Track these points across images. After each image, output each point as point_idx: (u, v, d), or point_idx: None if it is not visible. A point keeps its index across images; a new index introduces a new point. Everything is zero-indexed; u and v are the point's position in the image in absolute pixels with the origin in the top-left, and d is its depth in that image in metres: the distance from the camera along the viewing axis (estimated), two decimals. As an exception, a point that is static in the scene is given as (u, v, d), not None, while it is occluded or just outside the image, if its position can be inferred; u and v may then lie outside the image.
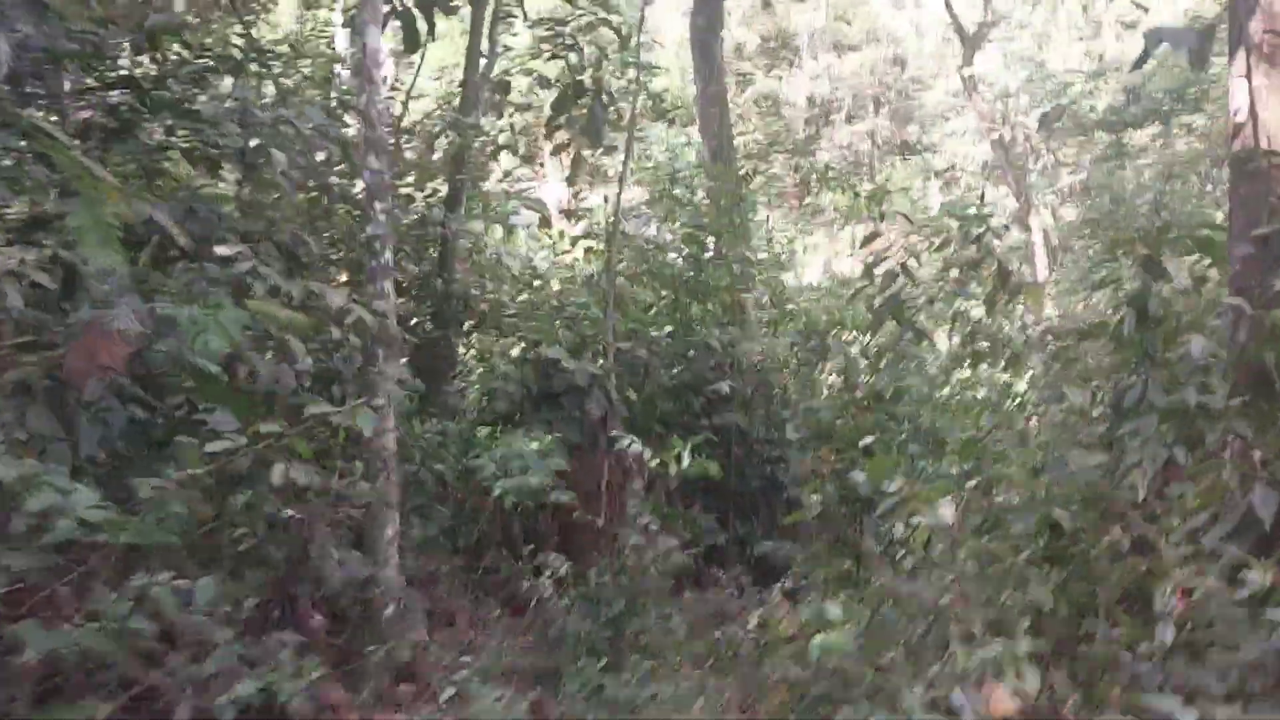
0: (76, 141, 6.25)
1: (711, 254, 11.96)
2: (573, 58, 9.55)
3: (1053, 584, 4.30)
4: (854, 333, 13.18)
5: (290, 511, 5.55)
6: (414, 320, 10.54)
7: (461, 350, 11.43)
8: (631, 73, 11.02)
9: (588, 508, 8.73)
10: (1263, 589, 3.68)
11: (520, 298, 11.54)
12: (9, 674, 4.09)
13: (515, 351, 10.82)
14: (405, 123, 11.10)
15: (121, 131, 7.34)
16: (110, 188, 4.16)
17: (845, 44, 31.34)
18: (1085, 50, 30.06)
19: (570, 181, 12.54)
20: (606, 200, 13.05)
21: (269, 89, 8.85)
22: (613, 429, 9.58)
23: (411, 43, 9.01)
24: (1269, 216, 6.17)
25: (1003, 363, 7.03)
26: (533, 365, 10.26)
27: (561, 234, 12.83)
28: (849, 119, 30.44)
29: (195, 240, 5.80)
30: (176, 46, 7.91)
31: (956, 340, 7.64)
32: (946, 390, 12.73)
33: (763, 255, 13.94)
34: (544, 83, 10.62)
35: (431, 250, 10.83)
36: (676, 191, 12.80)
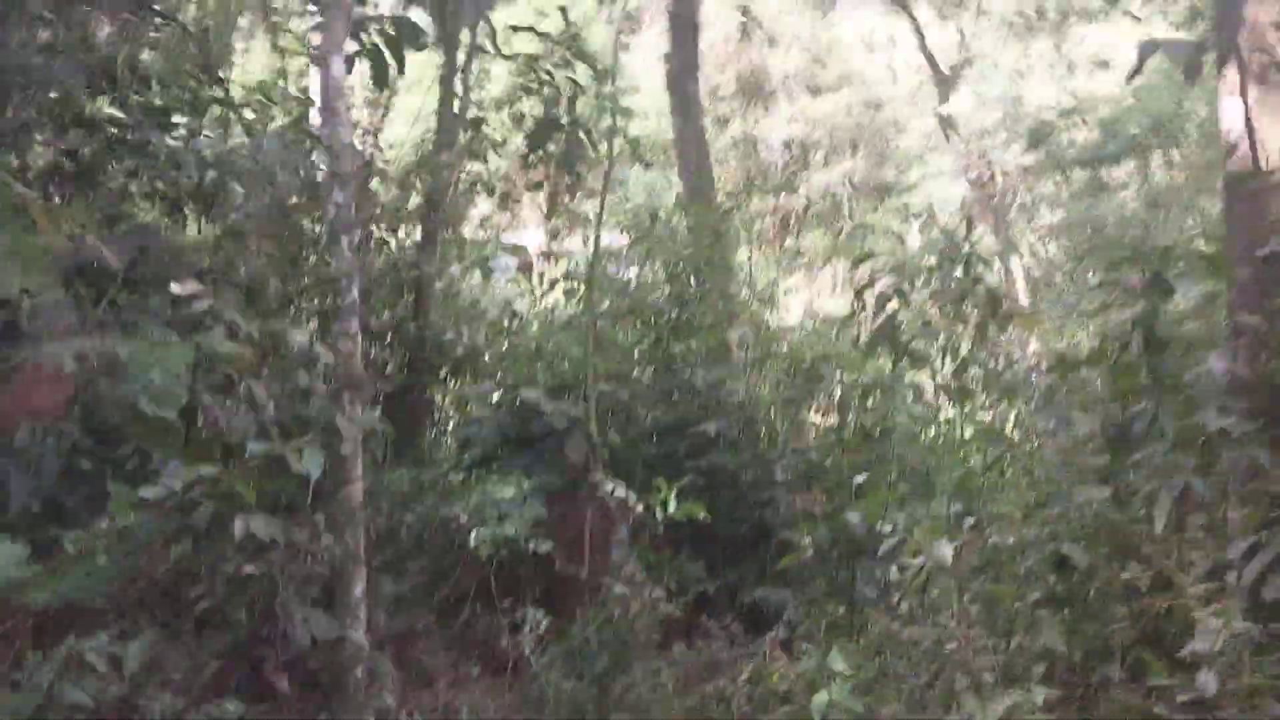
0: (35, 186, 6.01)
1: (695, 292, 11.72)
2: (548, 92, 9.36)
3: (1064, 626, 4.01)
4: (839, 370, 12.98)
5: (251, 568, 5.20)
6: (388, 367, 10.25)
7: (437, 397, 11.12)
8: (608, 119, 10.85)
9: (569, 557, 8.38)
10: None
11: (498, 341, 11.25)
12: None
13: (493, 396, 10.52)
14: (378, 164, 10.86)
15: (84, 175, 7.10)
16: (40, 211, 3.86)
17: (820, 86, 31.46)
18: (1060, 88, 30.29)
19: (548, 217, 12.32)
20: (586, 242, 12.85)
21: (238, 132, 8.64)
22: (594, 474, 9.25)
23: (380, 79, 8.79)
24: (1268, 236, 5.99)
25: (995, 396, 6.77)
26: (510, 409, 9.94)
27: (541, 276, 12.60)
28: (826, 161, 30.48)
29: (150, 279, 5.51)
30: (138, 86, 7.70)
31: (944, 374, 7.39)
32: (932, 429, 12.50)
33: (745, 294, 13.73)
34: (519, 120, 10.42)
35: (406, 294, 10.56)
36: (657, 231, 12.59)
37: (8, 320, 4.55)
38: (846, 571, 8.56)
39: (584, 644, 6.91)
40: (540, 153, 9.72)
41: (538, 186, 11.06)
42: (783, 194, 25.17)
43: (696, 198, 13.84)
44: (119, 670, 3.85)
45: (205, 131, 7.14)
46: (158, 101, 7.66)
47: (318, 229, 8.58)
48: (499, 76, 12.48)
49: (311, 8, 9.18)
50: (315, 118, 11.01)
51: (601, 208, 10.55)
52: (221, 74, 9.25)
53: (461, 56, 10.46)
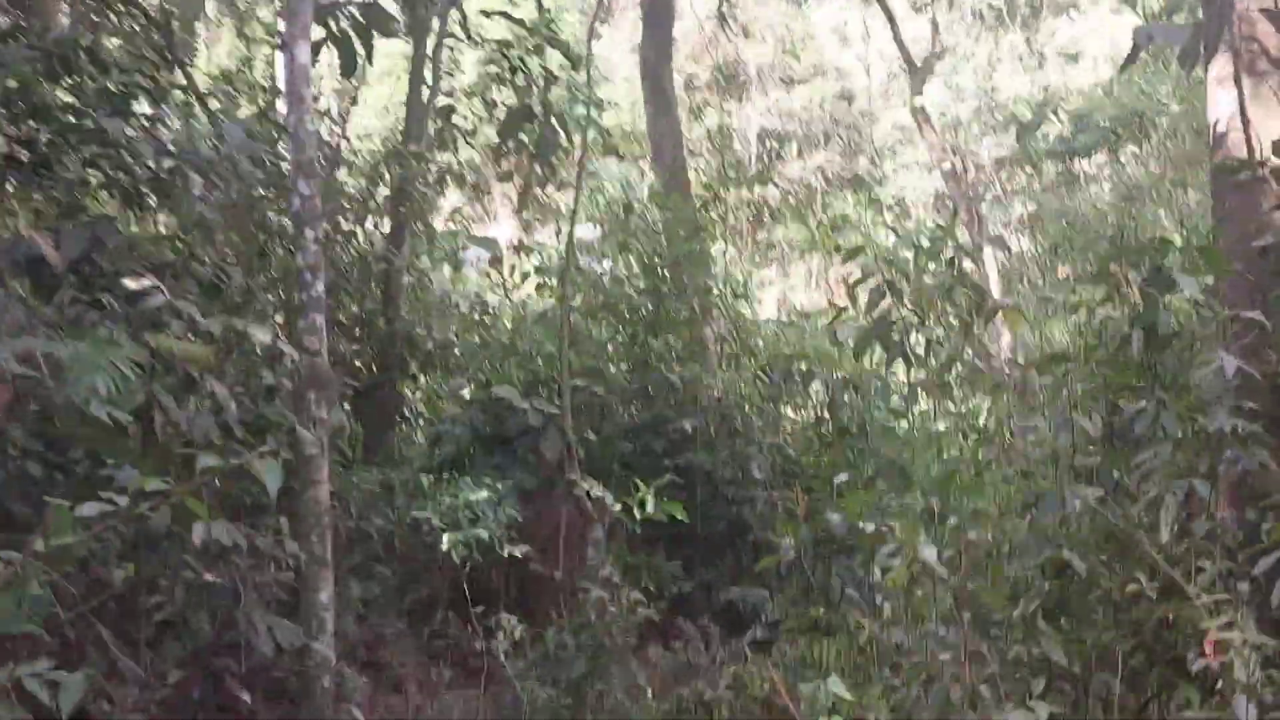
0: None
1: (670, 286, 11.52)
2: (520, 80, 9.10)
3: (1061, 635, 3.85)
4: (818, 366, 12.84)
5: (211, 576, 4.95)
6: (356, 363, 9.99)
7: (408, 393, 10.87)
8: (581, 108, 10.63)
9: (544, 559, 8.17)
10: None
11: (469, 336, 11.01)
12: None
13: (464, 393, 10.27)
14: (345, 154, 10.57)
15: (40, 165, 6.78)
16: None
17: (793, 78, 31.33)
18: (1030, 81, 30.34)
19: (520, 208, 12.08)
20: (559, 234, 12.64)
21: (202, 122, 8.33)
22: (570, 473, 9.05)
23: (349, 66, 8.52)
24: (1260, 228, 5.86)
25: (980, 392, 6.62)
26: (483, 407, 9.71)
27: (513, 269, 12.34)
28: (799, 153, 30.35)
29: (104, 273, 5.24)
30: (98, 73, 7.38)
31: (926, 370, 7.22)
32: (905, 422, 12.39)
33: (721, 288, 13.55)
34: (490, 108, 10.15)
35: (375, 288, 10.29)
36: (631, 224, 12.38)
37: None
38: (826, 571, 8.40)
39: (560, 648, 6.70)
40: (512, 142, 9.46)
41: (509, 177, 10.79)
42: (757, 187, 24.99)
43: (671, 190, 13.63)
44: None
45: (166, 120, 6.82)
46: (115, 89, 7.33)
47: (284, 221, 8.31)
48: (470, 65, 12.23)
49: (277, -8, 8.88)
50: (283, 107, 10.73)
51: (576, 199, 10.33)
52: (186, 61, 8.93)
53: (431, 44, 10.19)
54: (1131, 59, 5.73)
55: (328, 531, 5.85)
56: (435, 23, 10.18)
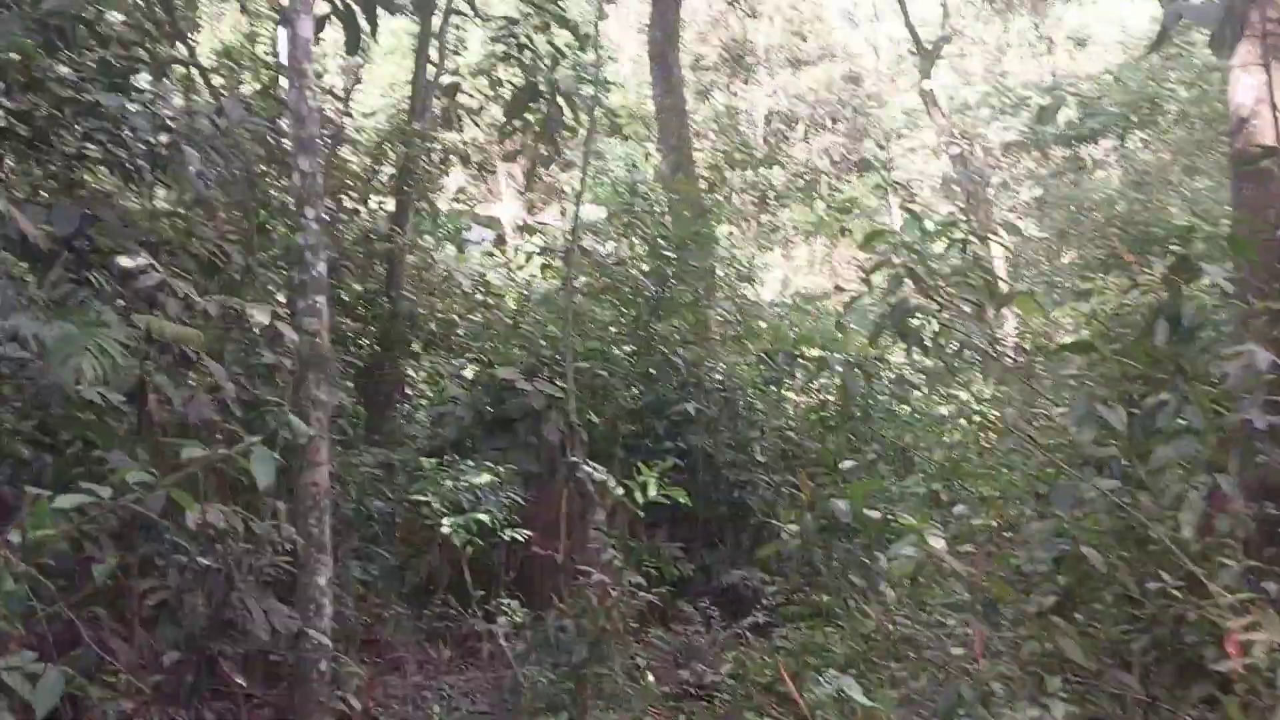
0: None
1: (675, 268, 11.40)
2: (527, 58, 8.96)
3: (1076, 631, 3.76)
4: (819, 349, 12.73)
5: (206, 560, 4.87)
6: (359, 342, 9.90)
7: (410, 373, 10.78)
8: (587, 88, 10.48)
9: (545, 542, 8.09)
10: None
11: (472, 316, 10.90)
12: None
13: (467, 373, 10.18)
14: (349, 132, 10.43)
15: (36, 140, 6.66)
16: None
17: (801, 60, 31.10)
18: (1038, 65, 30.13)
19: (526, 188, 11.95)
20: (564, 214, 12.52)
21: (204, 96, 8.20)
22: (572, 455, 8.96)
23: (353, 43, 8.38)
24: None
25: (989, 379, 6.50)
26: (485, 387, 9.61)
27: (517, 250, 12.24)
28: (806, 136, 30.16)
29: (101, 251, 5.13)
30: (97, 47, 7.25)
31: (935, 356, 7.10)
32: (907, 407, 12.30)
33: (725, 270, 13.43)
34: (496, 85, 9.99)
35: (378, 267, 10.19)
36: (636, 205, 12.26)
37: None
38: (830, 557, 8.30)
39: (560, 634, 6.62)
40: (518, 121, 9.32)
41: (515, 156, 10.65)
42: (762, 169, 24.83)
43: (676, 171, 13.51)
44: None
45: (167, 96, 6.68)
46: (114, 62, 7.19)
47: (286, 199, 8.20)
48: (476, 44, 12.07)
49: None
50: (285, 84, 10.57)
51: (583, 179, 10.19)
52: (188, 35, 8.79)
53: (437, 21, 10.04)
54: (1161, 40, 5.58)
55: (326, 514, 5.76)
56: (441, -1, 10.04)
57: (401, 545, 8.13)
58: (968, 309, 5.58)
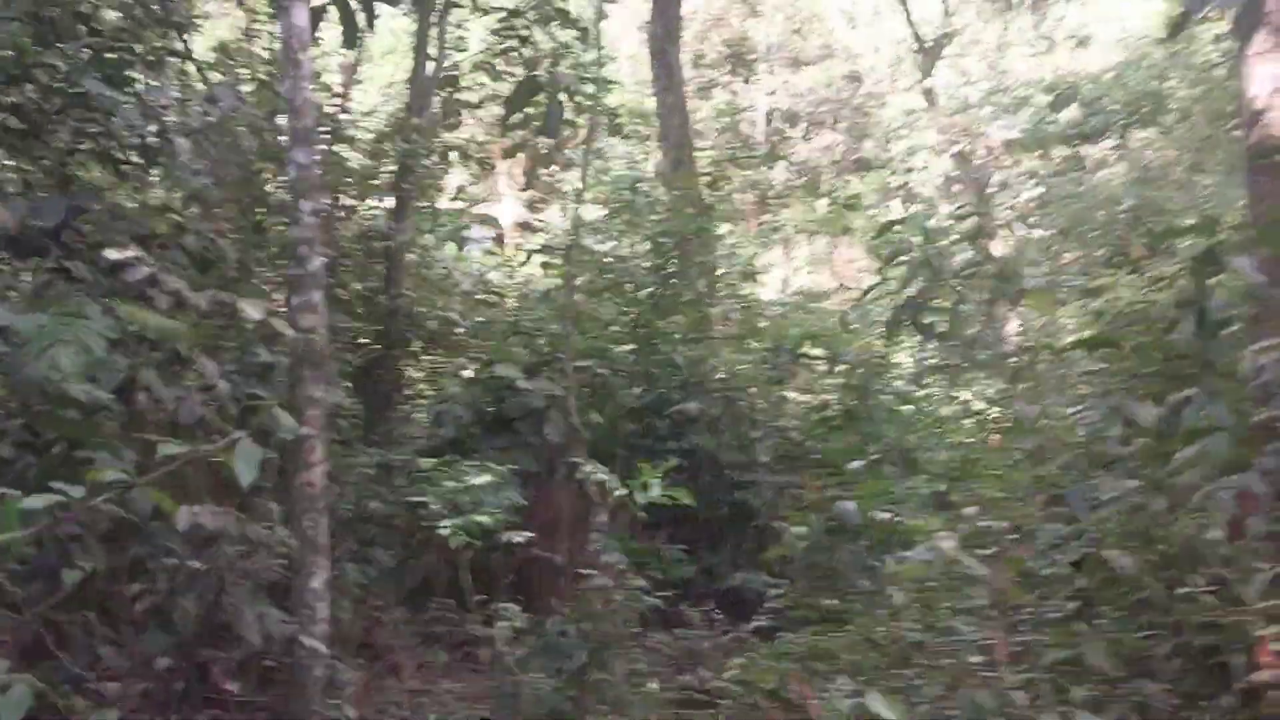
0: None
1: (677, 266, 11.28)
2: (527, 51, 8.82)
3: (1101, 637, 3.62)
4: (822, 348, 12.60)
5: (197, 563, 4.73)
6: (358, 340, 9.77)
7: (409, 373, 10.65)
8: (589, 85, 10.34)
9: (546, 544, 7.94)
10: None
11: (472, 315, 10.77)
12: None
13: (467, 372, 10.04)
14: (347, 128, 10.27)
15: (29, 133, 6.53)
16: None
17: (801, 59, 30.96)
18: (1039, 64, 30.03)
19: (526, 185, 11.82)
20: (565, 212, 12.39)
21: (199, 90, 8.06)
22: (573, 455, 8.81)
23: (350, 37, 8.23)
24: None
25: (1004, 377, 6.37)
26: (485, 386, 9.48)
27: (518, 247, 12.11)
28: (806, 135, 30.02)
29: (90, 245, 4.99)
30: (92, 40, 7.11)
31: (945, 352, 6.98)
32: (910, 406, 12.17)
33: (726, 269, 13.30)
34: (496, 79, 9.85)
35: (377, 265, 10.06)
36: (637, 203, 12.12)
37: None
38: (835, 559, 8.16)
39: (561, 639, 6.48)
40: (519, 117, 9.17)
41: (516, 151, 10.51)
42: (764, 167, 24.71)
43: (677, 169, 13.37)
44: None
45: (164, 89, 6.54)
46: (108, 55, 7.05)
47: (284, 195, 8.06)
48: (476, 41, 11.93)
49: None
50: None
51: (584, 175, 10.05)
52: (185, 28, 8.65)
53: (436, 14, 9.89)
54: (1182, 24, 5.44)
55: (322, 515, 5.62)
56: (441, -8, 9.89)
57: (400, 547, 7.99)
58: (982, 303, 5.46)
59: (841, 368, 11.29)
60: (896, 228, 4.67)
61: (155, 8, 8.31)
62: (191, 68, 8.33)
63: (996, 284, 5.60)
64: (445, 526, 7.19)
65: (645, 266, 11.55)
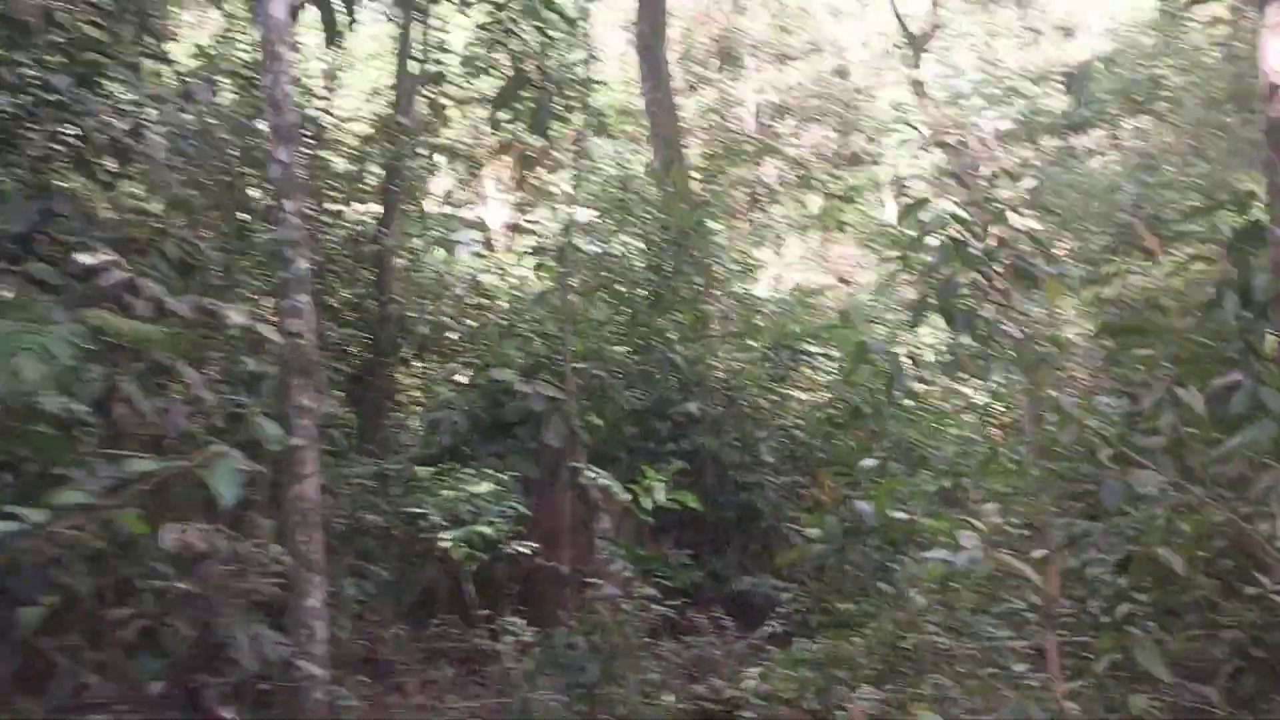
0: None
1: (672, 263, 11.02)
2: (514, 44, 8.56)
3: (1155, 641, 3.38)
4: (825, 344, 12.37)
5: (186, 584, 4.46)
6: (348, 348, 9.50)
7: (402, 378, 10.38)
8: (580, 75, 10.08)
9: (549, 552, 7.68)
10: None
11: (466, 318, 10.50)
12: None
13: (461, 377, 9.77)
14: (331, 131, 9.99)
15: (3, 140, 6.26)
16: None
17: (788, 55, 30.77)
18: (1026, 57, 29.92)
19: (515, 186, 11.55)
20: (555, 213, 12.11)
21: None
22: (574, 460, 8.55)
23: (331, 33, 7.98)
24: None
25: (1022, 367, 6.12)
26: (481, 391, 9.21)
27: (508, 249, 11.85)
28: (795, 131, 29.82)
29: (62, 248, 4.72)
30: (67, 44, 6.84)
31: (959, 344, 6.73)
32: (910, 401, 11.95)
33: (722, 266, 13.05)
34: (482, 73, 9.56)
35: (365, 270, 9.79)
36: (628, 201, 11.86)
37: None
38: (849, 561, 7.92)
39: (570, 652, 6.22)
40: (507, 113, 8.91)
41: (505, 149, 10.24)
42: (753, 166, 24.47)
43: (668, 166, 13.12)
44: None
45: (131, 83, 6.26)
46: (80, 57, 6.78)
47: (271, 204, 7.79)
48: (461, 37, 11.67)
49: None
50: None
51: (576, 175, 9.78)
52: (159, 28, 8.37)
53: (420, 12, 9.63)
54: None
55: (316, 530, 5.36)
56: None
57: (399, 560, 7.71)
58: (1001, 291, 5.21)
59: (846, 362, 11.02)
60: (918, 214, 4.41)
61: (130, 17, 8.06)
62: (168, 70, 8.07)
63: (1016, 270, 5.35)
64: (446, 539, 6.92)
65: (640, 265, 11.30)
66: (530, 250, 11.48)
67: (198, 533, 4.27)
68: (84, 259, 4.53)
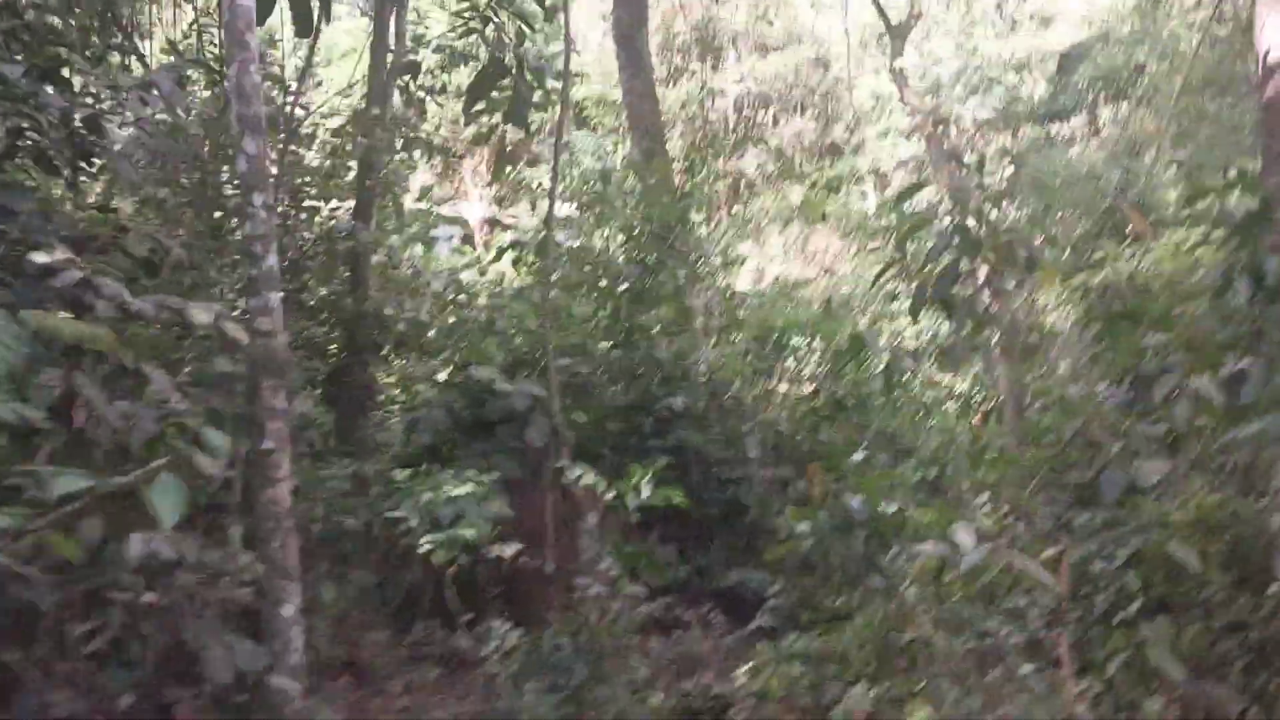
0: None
1: (654, 256, 10.86)
2: (490, 33, 8.36)
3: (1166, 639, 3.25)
4: (808, 336, 12.27)
5: (153, 595, 4.28)
6: (324, 347, 9.31)
7: (381, 377, 10.18)
8: (556, 79, 9.90)
9: (534, 552, 7.52)
10: None
11: (444, 315, 10.30)
12: None
13: (441, 375, 9.58)
14: (305, 126, 9.77)
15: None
16: None
17: (768, 45, 30.64)
18: (1003, 46, 29.92)
19: (492, 180, 11.36)
20: (535, 207, 11.94)
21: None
22: (558, 459, 8.39)
23: (304, 26, 7.77)
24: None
25: (1015, 356, 6.03)
26: (461, 389, 9.03)
27: (487, 245, 11.65)
28: (775, 121, 29.70)
29: (20, 246, 4.52)
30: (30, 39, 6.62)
31: (949, 335, 6.61)
32: (898, 393, 11.85)
33: (704, 260, 12.91)
34: (459, 64, 9.38)
35: (341, 268, 9.59)
36: (609, 194, 11.70)
37: None
38: (840, 554, 7.78)
39: (556, 654, 6.06)
40: (484, 103, 8.72)
41: (483, 139, 10.04)
42: (734, 158, 24.36)
43: (650, 158, 12.95)
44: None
45: (90, 74, 6.04)
46: (42, 50, 6.55)
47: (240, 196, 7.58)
48: (437, 28, 11.46)
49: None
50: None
51: (555, 163, 9.59)
52: (124, 21, 8.14)
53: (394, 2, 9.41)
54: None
55: (290, 535, 5.18)
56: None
57: (378, 564, 7.53)
58: (994, 279, 5.10)
59: (841, 355, 10.93)
60: (905, 204, 4.27)
61: (93, 8, 7.84)
62: (139, 66, 7.86)
63: (1008, 257, 5.23)
64: (427, 543, 6.75)
65: (622, 259, 11.13)
66: (509, 245, 11.31)
67: (164, 540, 4.08)
68: (39, 258, 4.33)
